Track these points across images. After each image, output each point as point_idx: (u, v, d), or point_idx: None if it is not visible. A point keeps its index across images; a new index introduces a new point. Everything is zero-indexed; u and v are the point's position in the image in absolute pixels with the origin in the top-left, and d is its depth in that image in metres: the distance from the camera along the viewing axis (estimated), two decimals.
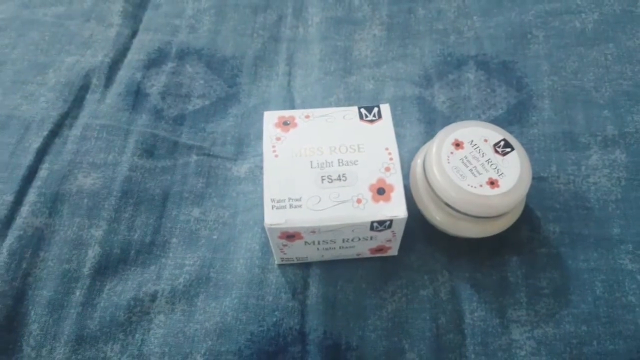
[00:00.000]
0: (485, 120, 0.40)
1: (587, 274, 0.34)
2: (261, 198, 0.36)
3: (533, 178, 0.32)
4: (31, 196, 0.37)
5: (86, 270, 0.34)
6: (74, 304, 0.33)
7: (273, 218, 0.29)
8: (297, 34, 0.46)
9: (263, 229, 0.35)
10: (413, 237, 0.34)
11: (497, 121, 0.40)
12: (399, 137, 0.32)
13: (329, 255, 0.34)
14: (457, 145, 0.32)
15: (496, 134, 0.33)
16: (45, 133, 0.40)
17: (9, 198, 0.36)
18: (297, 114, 0.34)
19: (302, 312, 0.33)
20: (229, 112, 0.42)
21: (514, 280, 0.34)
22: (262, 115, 0.34)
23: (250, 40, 0.46)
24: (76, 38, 0.46)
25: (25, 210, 0.36)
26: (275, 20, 0.47)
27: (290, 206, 0.30)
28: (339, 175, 0.31)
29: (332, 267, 0.34)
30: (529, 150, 0.35)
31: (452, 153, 0.32)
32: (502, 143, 0.33)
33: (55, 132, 0.40)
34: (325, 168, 0.31)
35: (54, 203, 0.37)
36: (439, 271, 0.34)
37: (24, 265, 0.34)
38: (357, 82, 0.43)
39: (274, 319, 0.33)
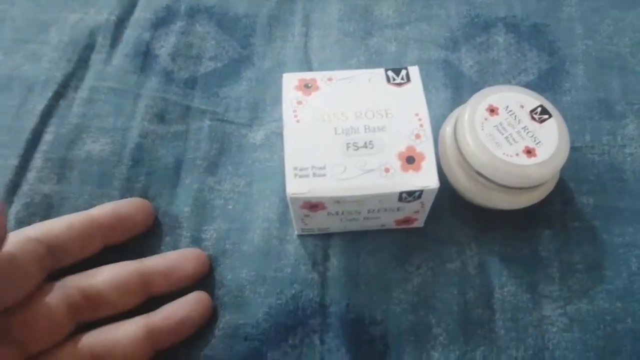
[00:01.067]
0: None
1: (622, 249, 0.32)
2: (278, 166, 0.35)
3: None
4: (37, 161, 0.35)
5: None
6: None
7: (296, 187, 0.28)
8: None
9: (281, 198, 0.34)
10: (440, 209, 0.33)
11: (528, 87, 0.37)
12: None
13: (352, 226, 0.32)
14: (492, 111, 0.30)
15: (533, 100, 0.31)
16: (49, 94, 0.37)
17: (13, 162, 0.35)
18: (318, 76, 0.31)
19: (323, 284, 0.32)
20: (242, 75, 0.40)
21: (546, 254, 0.32)
22: (277, 78, 0.32)
23: None
24: None
25: (31, 176, 0.34)
26: None
27: (314, 175, 0.28)
28: (366, 143, 0.29)
29: (354, 239, 0.33)
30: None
31: (486, 119, 0.30)
32: (539, 109, 0.31)
33: (60, 93, 0.38)
34: (350, 134, 0.29)
35: (62, 169, 0.35)
36: (467, 244, 0.33)
37: None
38: (378, 43, 0.40)
39: (293, 291, 0.31)
